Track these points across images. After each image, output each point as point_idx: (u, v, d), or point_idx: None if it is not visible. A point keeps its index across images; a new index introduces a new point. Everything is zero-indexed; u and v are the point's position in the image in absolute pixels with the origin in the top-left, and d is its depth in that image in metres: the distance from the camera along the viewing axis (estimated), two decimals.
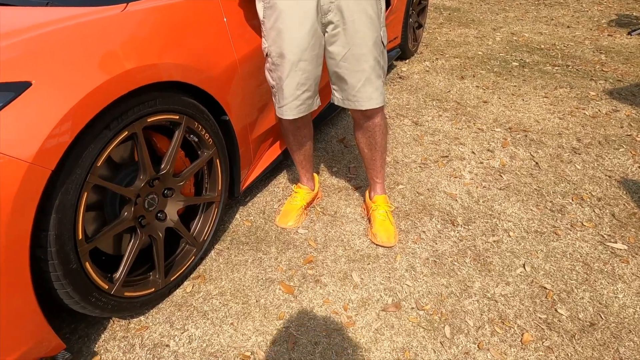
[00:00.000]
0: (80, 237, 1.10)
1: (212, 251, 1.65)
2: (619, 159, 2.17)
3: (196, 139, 1.44)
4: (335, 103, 1.51)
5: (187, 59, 1.31)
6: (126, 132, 1.16)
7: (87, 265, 1.13)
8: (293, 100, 1.44)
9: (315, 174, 1.88)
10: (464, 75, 3.26)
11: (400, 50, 3.32)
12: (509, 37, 4.21)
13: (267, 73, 1.49)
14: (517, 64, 3.50)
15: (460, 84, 3.11)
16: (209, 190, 1.57)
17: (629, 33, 4.16)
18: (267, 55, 1.44)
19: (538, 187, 1.98)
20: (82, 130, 1.04)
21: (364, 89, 1.41)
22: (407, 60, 3.57)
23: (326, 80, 1.60)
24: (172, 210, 1.42)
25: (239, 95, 1.55)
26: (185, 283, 1.52)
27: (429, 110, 2.73)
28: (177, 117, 1.32)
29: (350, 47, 1.34)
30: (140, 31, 1.22)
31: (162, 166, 1.32)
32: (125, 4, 1.31)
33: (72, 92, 1.01)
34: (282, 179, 2.08)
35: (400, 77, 3.24)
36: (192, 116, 1.37)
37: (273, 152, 1.97)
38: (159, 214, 1.38)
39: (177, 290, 1.48)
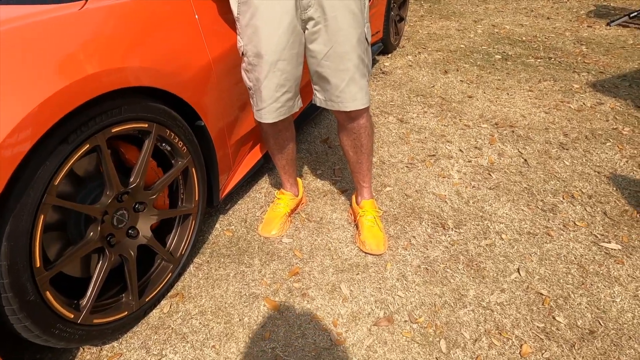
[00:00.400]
0: (38, 264, 0.98)
1: (191, 265, 1.55)
2: (607, 153, 2.14)
3: (169, 148, 1.33)
4: (317, 104, 1.42)
5: (156, 62, 1.19)
6: (88, 145, 1.04)
7: (48, 294, 1.02)
8: (272, 103, 1.34)
9: (298, 179, 1.79)
10: (447, 70, 3.20)
11: (382, 44, 3.23)
12: (491, 29, 4.17)
13: (243, 73, 1.38)
14: (500, 57, 3.46)
15: (444, 79, 3.05)
16: (185, 202, 1.46)
17: (608, 24, 4.17)
18: (242, 54, 1.33)
19: (528, 185, 1.93)
20: (35, 145, 0.93)
21: (347, 89, 1.32)
22: (390, 55, 3.49)
23: (307, 78, 1.50)
24: (144, 226, 1.31)
25: (214, 99, 1.44)
26: (162, 302, 1.41)
27: (414, 107, 2.65)
28: (146, 126, 1.20)
29: (332, 45, 1.25)
30: (102, 31, 1.10)
31: (132, 179, 1.21)
32: (84, 2, 1.18)
33: (23, 101, 0.89)
34: (264, 183, 1.98)
35: (383, 73, 3.16)
36: (163, 124, 1.25)
37: (253, 156, 1.86)
38: (129, 231, 1.27)
39: (154, 311, 1.38)
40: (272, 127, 1.47)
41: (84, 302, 1.13)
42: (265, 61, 1.26)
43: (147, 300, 1.33)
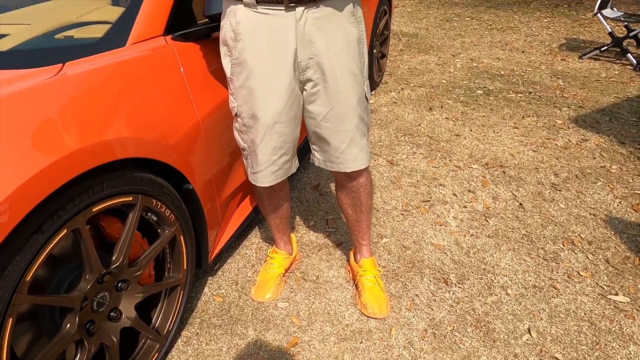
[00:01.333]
0: None
1: (179, 340, 1.41)
2: (599, 194, 2.13)
3: (155, 218, 1.21)
4: (316, 164, 1.34)
5: (143, 129, 1.09)
6: (65, 231, 0.92)
7: None
8: (269, 166, 1.25)
9: (292, 235, 1.69)
10: (431, 106, 3.20)
11: None
12: (469, 63, 4.24)
13: (236, 134, 1.30)
14: (482, 92, 3.49)
15: (430, 116, 3.04)
16: (172, 271, 1.34)
17: (580, 57, 4.30)
18: (236, 115, 1.25)
19: (527, 232, 1.88)
20: (5, 240, 0.80)
21: (348, 150, 1.24)
22: (373, 92, 3.47)
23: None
24: (128, 306, 1.18)
25: (203, 159, 1.34)
26: None
27: (402, 147, 2.61)
28: (131, 199, 1.09)
29: (332, 107, 1.18)
30: (83, 100, 1.00)
31: (114, 258, 1.09)
32: (61, 65, 1.08)
33: None
34: (254, 238, 1.87)
35: None
36: (149, 194, 1.14)
37: (244, 210, 1.76)
38: (111, 313, 1.14)
39: None
40: (268, 189, 1.38)
41: None
42: (262, 124, 1.17)
43: None
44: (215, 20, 1.37)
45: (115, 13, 1.42)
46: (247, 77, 1.14)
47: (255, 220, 1.94)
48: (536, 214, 1.99)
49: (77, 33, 1.33)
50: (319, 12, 1.07)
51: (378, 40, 3.39)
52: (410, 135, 2.77)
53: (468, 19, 6.20)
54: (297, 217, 2.00)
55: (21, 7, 1.53)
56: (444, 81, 3.74)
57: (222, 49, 1.19)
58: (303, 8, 1.06)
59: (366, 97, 1.26)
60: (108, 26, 1.33)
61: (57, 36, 1.31)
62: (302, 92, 1.19)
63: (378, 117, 3.03)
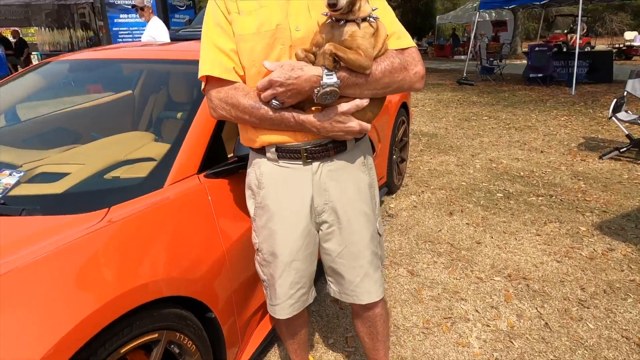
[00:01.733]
0: None
1: None
2: (630, 312, 2.05)
3: (177, 350, 1.27)
4: (332, 294, 1.39)
5: (175, 268, 1.20)
6: None
7: None
8: (287, 300, 1.31)
9: (310, 358, 1.69)
10: (452, 211, 3.26)
11: (387, 188, 3.35)
12: (488, 164, 4.35)
13: (257, 266, 1.39)
14: (502, 195, 3.55)
15: (450, 222, 3.09)
16: None
17: (600, 157, 4.36)
18: (257, 250, 1.35)
19: (554, 356, 1.81)
20: None
21: (362, 284, 1.30)
22: (394, 195, 3.59)
23: None
24: None
25: (226, 289, 1.42)
26: None
27: (423, 256, 2.64)
28: (157, 335, 1.16)
29: (346, 245, 1.27)
30: (125, 247, 1.12)
31: None
32: (106, 210, 1.23)
33: (38, 342, 0.87)
34: (273, 357, 1.87)
35: (389, 216, 3.21)
36: (173, 328, 1.21)
37: (263, 329, 1.78)
38: None
39: None
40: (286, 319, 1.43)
41: None
42: (281, 261, 1.27)
43: None
44: (242, 159, 1.54)
45: (158, 150, 1.62)
46: (269, 220, 1.26)
47: (274, 337, 1.95)
48: (564, 336, 1.92)
49: (123, 173, 1.51)
50: (333, 165, 1.21)
51: (397, 147, 3.58)
52: (431, 242, 2.80)
53: (486, 117, 6.47)
54: (317, 333, 2.00)
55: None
56: (463, 183, 3.84)
57: (247, 192, 1.33)
58: (319, 162, 1.20)
59: (379, 233, 1.34)
60: (151, 165, 1.52)
61: (105, 176, 1.50)
62: (317, 232, 1.29)
63: (399, 222, 3.10)
